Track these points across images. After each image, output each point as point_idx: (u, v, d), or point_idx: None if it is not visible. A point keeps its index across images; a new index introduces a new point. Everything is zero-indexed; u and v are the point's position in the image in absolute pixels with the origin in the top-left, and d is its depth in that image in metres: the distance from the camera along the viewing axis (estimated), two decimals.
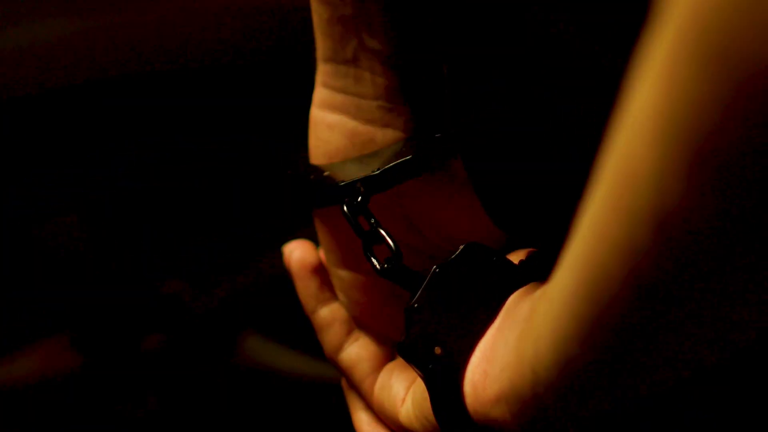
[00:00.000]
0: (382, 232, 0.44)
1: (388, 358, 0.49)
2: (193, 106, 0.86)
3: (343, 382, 0.51)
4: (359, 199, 0.44)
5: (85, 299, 0.97)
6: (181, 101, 0.85)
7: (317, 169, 0.47)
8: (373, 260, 0.44)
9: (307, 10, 0.46)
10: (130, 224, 0.98)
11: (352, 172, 0.45)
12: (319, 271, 0.50)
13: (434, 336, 0.41)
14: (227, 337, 1.04)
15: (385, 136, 0.46)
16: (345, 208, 0.44)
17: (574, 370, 0.33)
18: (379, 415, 0.48)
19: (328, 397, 1.08)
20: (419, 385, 0.45)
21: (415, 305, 0.41)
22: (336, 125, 0.46)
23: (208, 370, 1.03)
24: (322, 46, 0.46)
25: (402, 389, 0.46)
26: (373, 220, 0.44)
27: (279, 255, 1.06)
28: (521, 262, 0.43)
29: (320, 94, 0.47)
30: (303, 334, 1.12)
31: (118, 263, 0.96)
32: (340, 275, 0.49)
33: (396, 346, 0.41)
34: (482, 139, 0.42)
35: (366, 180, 0.44)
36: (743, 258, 0.26)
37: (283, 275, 1.10)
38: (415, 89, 0.46)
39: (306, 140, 0.49)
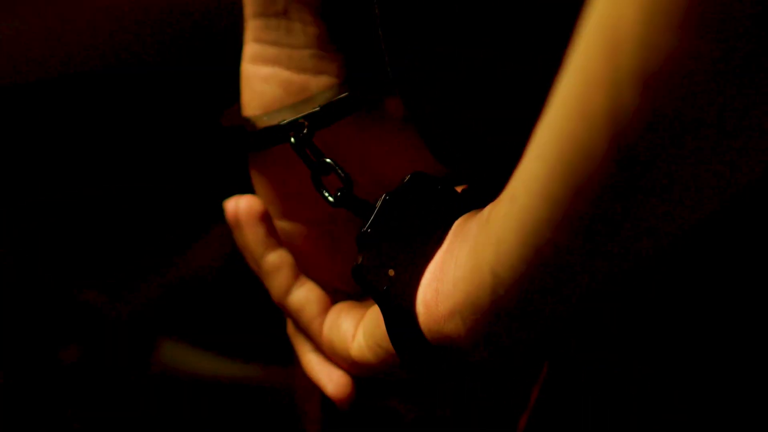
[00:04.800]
0: (330, 161, 0.45)
1: (333, 302, 0.51)
2: (101, 109, 0.86)
3: (290, 327, 0.53)
4: (305, 132, 0.46)
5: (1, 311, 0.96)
6: (86, 103, 0.85)
7: (254, 118, 0.49)
8: (324, 192, 0.45)
9: None
10: (41, 235, 0.97)
11: (290, 116, 0.47)
12: (266, 219, 0.51)
13: (386, 260, 0.43)
14: (145, 344, 1.04)
15: (319, 83, 0.48)
16: (292, 140, 0.46)
17: (544, 259, 0.34)
18: (329, 354, 0.49)
19: (249, 399, 1.08)
20: (370, 317, 0.47)
21: (368, 231, 0.43)
22: (270, 77, 0.48)
23: (128, 379, 1.02)
24: (251, 2, 0.48)
25: (351, 326, 0.48)
26: (320, 154, 0.46)
27: (190, 259, 1.05)
28: (463, 190, 0.45)
29: (252, 49, 0.49)
30: (220, 337, 1.12)
31: (29, 276, 0.95)
32: (281, 226, 0.51)
33: (351, 271, 0.43)
34: (421, 72, 0.44)
35: (309, 116, 0.46)
36: (733, 102, 0.27)
37: (195, 279, 1.10)
38: (346, 35, 0.48)
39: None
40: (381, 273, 0.43)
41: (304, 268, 0.51)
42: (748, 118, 0.28)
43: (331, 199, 0.45)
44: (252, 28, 0.49)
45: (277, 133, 0.47)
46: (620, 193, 0.30)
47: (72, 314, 0.99)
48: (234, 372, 1.06)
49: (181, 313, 1.06)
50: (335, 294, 0.51)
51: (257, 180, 0.51)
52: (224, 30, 0.72)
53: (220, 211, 0.56)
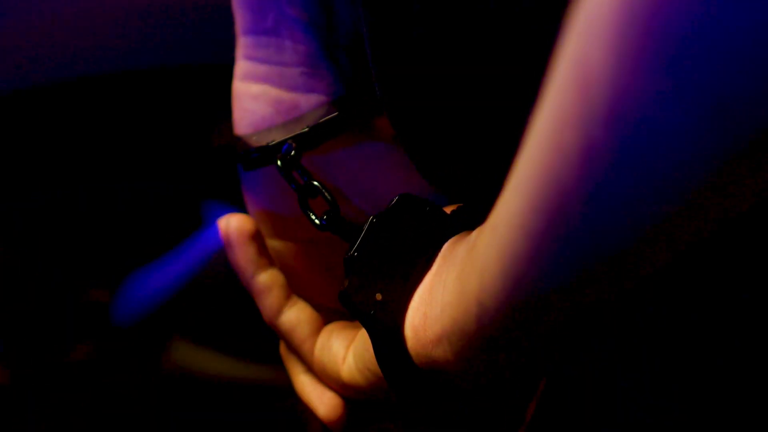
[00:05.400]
0: (317, 183, 0.45)
1: (325, 323, 0.50)
2: (108, 110, 0.86)
3: (282, 348, 0.52)
4: (292, 153, 0.45)
5: (9, 311, 0.96)
6: (96, 105, 0.85)
7: (244, 137, 0.48)
8: (311, 215, 0.45)
9: None
10: (48, 234, 0.97)
11: (279, 136, 0.47)
12: (257, 238, 0.50)
13: (374, 283, 0.42)
14: (155, 343, 1.04)
15: (309, 101, 0.47)
16: (279, 162, 0.45)
17: (525, 291, 0.34)
18: (321, 376, 0.49)
19: (254, 398, 1.08)
20: (360, 340, 0.46)
21: (355, 254, 0.42)
22: (260, 95, 0.48)
23: (138, 378, 1.02)
24: (242, 19, 0.48)
25: (342, 348, 0.47)
26: (307, 176, 0.45)
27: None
28: (453, 212, 0.44)
29: (242, 66, 0.48)
30: (229, 337, 1.12)
31: (39, 274, 0.95)
32: (273, 245, 0.50)
33: (338, 295, 0.42)
34: (409, 92, 0.43)
35: (297, 137, 0.46)
36: (703, 140, 0.27)
37: (205, 279, 1.10)
38: (336, 53, 0.47)
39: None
40: (368, 297, 0.42)
41: (296, 287, 0.51)
42: (722, 156, 0.27)
43: (317, 222, 0.45)
44: (243, 45, 0.48)
45: (265, 154, 0.46)
46: (596, 230, 0.30)
47: (82, 313, 0.99)
48: (241, 372, 1.06)
49: (192, 313, 1.06)
50: (329, 314, 0.51)
51: (249, 199, 0.50)
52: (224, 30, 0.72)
53: None
